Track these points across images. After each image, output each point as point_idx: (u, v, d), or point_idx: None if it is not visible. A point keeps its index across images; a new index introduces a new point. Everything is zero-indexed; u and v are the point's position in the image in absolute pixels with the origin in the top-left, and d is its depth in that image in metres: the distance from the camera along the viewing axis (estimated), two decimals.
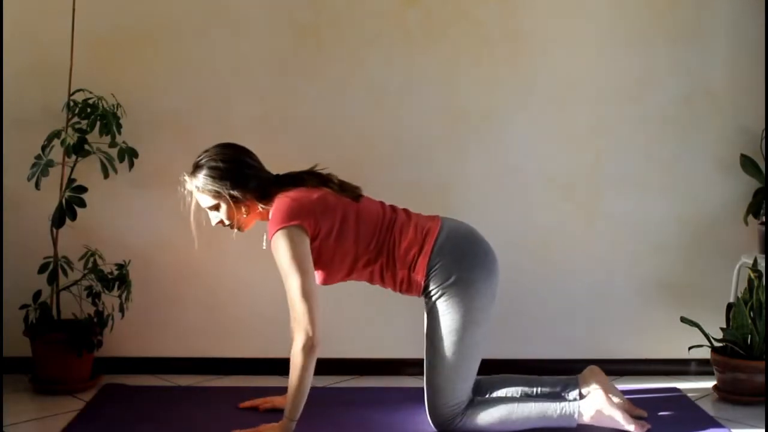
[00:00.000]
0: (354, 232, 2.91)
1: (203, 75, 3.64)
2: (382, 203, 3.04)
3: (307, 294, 2.79)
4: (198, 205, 3.02)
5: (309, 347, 2.77)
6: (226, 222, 2.97)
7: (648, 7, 3.68)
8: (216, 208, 2.95)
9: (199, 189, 2.94)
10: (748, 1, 3.68)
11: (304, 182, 2.96)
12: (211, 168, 2.91)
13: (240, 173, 2.91)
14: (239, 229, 3.00)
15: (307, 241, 2.84)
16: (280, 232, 2.81)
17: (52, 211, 3.40)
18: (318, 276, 2.93)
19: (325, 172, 3.02)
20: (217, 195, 2.92)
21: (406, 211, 3.04)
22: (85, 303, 3.48)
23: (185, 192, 3.01)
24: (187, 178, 2.98)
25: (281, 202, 2.87)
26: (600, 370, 3.10)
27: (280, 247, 2.81)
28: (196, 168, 2.95)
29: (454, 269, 2.90)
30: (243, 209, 2.94)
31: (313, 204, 2.88)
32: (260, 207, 2.95)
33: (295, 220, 2.82)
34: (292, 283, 2.79)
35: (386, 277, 2.96)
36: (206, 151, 2.97)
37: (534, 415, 2.93)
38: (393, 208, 3.04)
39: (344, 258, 2.92)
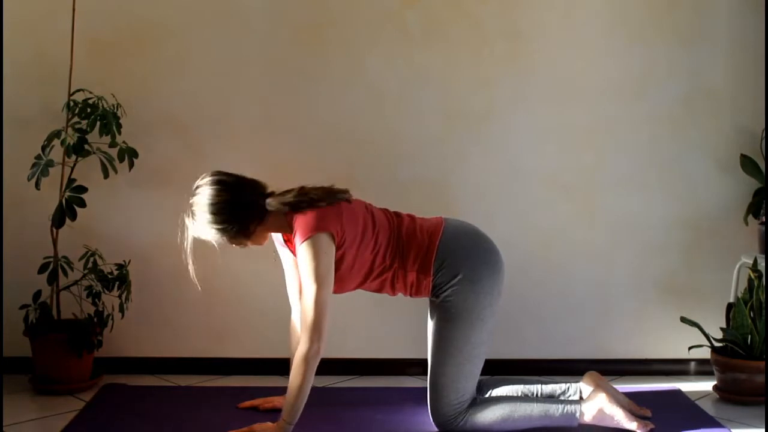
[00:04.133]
0: (373, 242, 2.92)
1: (203, 75, 3.64)
2: (386, 211, 3.04)
3: (322, 304, 2.79)
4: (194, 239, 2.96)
5: (313, 354, 2.78)
6: (242, 247, 2.96)
7: (648, 7, 3.68)
8: (226, 241, 2.91)
9: (202, 236, 2.90)
10: (748, 1, 3.68)
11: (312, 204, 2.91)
12: (208, 218, 2.85)
13: (238, 215, 2.85)
14: (257, 244, 2.97)
15: (334, 249, 2.84)
16: (312, 239, 2.79)
17: (52, 211, 3.40)
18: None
19: (297, 185, 2.94)
20: (221, 238, 2.88)
21: (409, 215, 3.05)
22: (85, 303, 3.48)
23: (185, 227, 2.95)
24: (188, 222, 2.92)
25: (309, 212, 2.84)
26: (599, 374, 3.10)
27: (310, 254, 2.79)
28: (194, 215, 2.88)
29: (460, 267, 2.91)
30: (251, 234, 2.90)
31: (340, 211, 2.88)
32: (250, 241, 2.91)
33: (325, 228, 2.81)
34: (312, 290, 2.79)
35: (397, 283, 2.96)
36: (198, 187, 2.89)
37: (536, 414, 2.93)
38: (397, 214, 3.05)
39: (362, 267, 2.93)
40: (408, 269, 2.94)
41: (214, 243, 2.92)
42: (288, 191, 2.90)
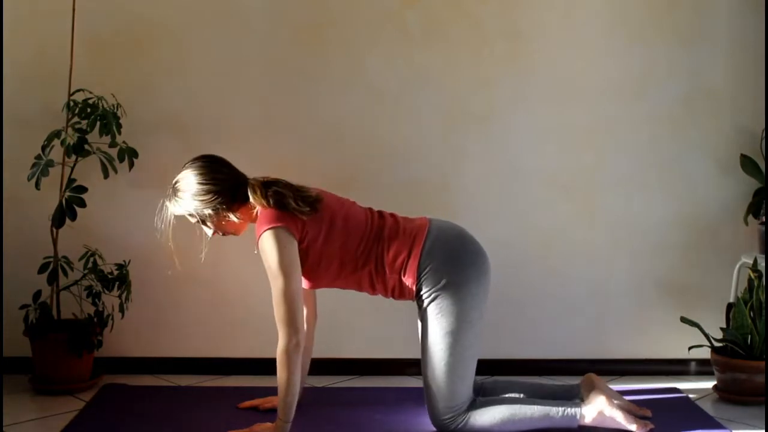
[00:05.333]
0: (341, 238, 2.91)
1: (203, 75, 3.64)
2: (369, 210, 3.03)
3: (290, 296, 2.80)
4: (174, 223, 3.02)
5: (293, 347, 2.79)
6: (220, 233, 3.00)
7: (648, 7, 3.68)
8: (204, 223, 2.97)
9: (180, 214, 2.96)
10: (748, 1, 3.68)
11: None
12: (187, 193, 2.91)
13: (216, 192, 2.91)
14: (234, 234, 3.02)
15: (295, 243, 2.85)
16: (267, 232, 2.82)
17: (52, 211, 3.40)
18: (303, 279, 2.94)
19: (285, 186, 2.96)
20: (200, 216, 2.93)
21: (393, 216, 3.03)
22: (85, 303, 3.48)
23: (165, 213, 3.00)
24: (168, 203, 2.98)
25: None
26: (597, 376, 3.10)
27: (267, 248, 2.82)
28: (174, 194, 2.95)
29: (444, 272, 2.89)
30: (228, 218, 2.94)
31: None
32: (236, 216, 2.95)
33: (282, 222, 2.83)
34: (277, 284, 2.81)
35: (377, 283, 2.95)
36: (182, 169, 2.96)
37: (536, 415, 2.92)
38: (381, 214, 3.03)
39: (330, 263, 2.92)
40: (388, 271, 2.92)
41: (194, 219, 2.94)
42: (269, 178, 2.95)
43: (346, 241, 2.91)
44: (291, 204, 2.86)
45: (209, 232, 3.00)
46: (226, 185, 2.92)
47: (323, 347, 3.52)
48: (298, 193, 2.91)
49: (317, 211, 2.89)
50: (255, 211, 2.94)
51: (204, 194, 2.90)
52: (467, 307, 2.89)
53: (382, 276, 2.93)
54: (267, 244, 2.82)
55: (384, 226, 2.97)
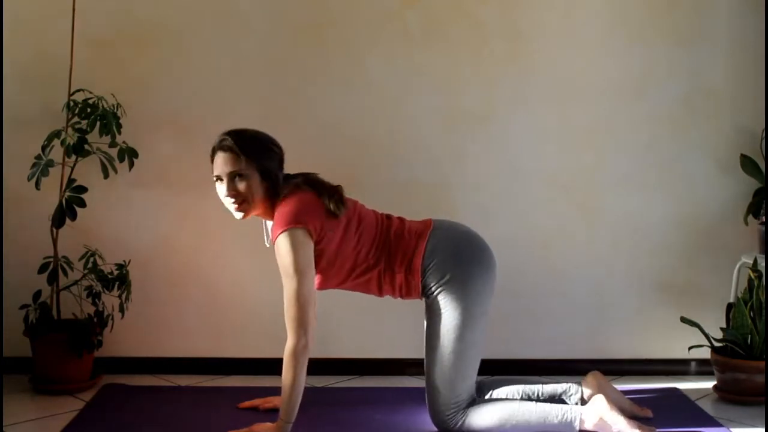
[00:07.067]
0: (356, 239, 2.92)
1: (203, 75, 3.64)
2: (375, 212, 3.04)
3: (303, 297, 2.79)
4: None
5: (301, 349, 2.78)
6: (241, 196, 2.87)
7: (648, 7, 3.68)
8: (242, 177, 2.87)
9: (240, 149, 2.85)
10: (748, 1, 3.68)
11: (315, 187, 2.94)
12: (266, 141, 2.93)
13: (280, 163, 2.95)
14: (244, 212, 2.90)
15: (312, 244, 2.84)
16: (285, 232, 2.81)
17: (52, 211, 3.40)
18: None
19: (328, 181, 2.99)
20: (256, 164, 2.87)
21: (399, 218, 3.05)
22: (85, 303, 3.48)
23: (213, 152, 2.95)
24: (229, 136, 2.89)
25: (289, 202, 2.86)
26: (602, 375, 3.09)
27: (284, 248, 2.81)
28: (246, 133, 2.90)
29: (449, 267, 2.90)
30: (261, 193, 2.88)
31: (320, 207, 2.88)
32: (266, 198, 2.91)
33: (301, 223, 2.82)
34: (291, 285, 2.80)
35: (384, 283, 2.96)
36: (232, 128, 2.95)
37: (535, 419, 2.90)
38: (387, 216, 3.05)
39: (343, 264, 2.92)
40: (396, 270, 2.93)
41: (236, 169, 2.86)
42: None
43: (359, 242, 2.92)
44: (327, 201, 2.87)
45: (229, 189, 2.86)
46: (280, 163, 2.98)
47: (323, 347, 3.52)
48: (335, 195, 2.91)
49: (337, 217, 2.88)
50: (271, 206, 2.91)
51: (270, 148, 2.94)
52: (471, 303, 2.90)
53: (390, 275, 2.94)
54: (283, 245, 2.81)
55: (391, 226, 2.99)
